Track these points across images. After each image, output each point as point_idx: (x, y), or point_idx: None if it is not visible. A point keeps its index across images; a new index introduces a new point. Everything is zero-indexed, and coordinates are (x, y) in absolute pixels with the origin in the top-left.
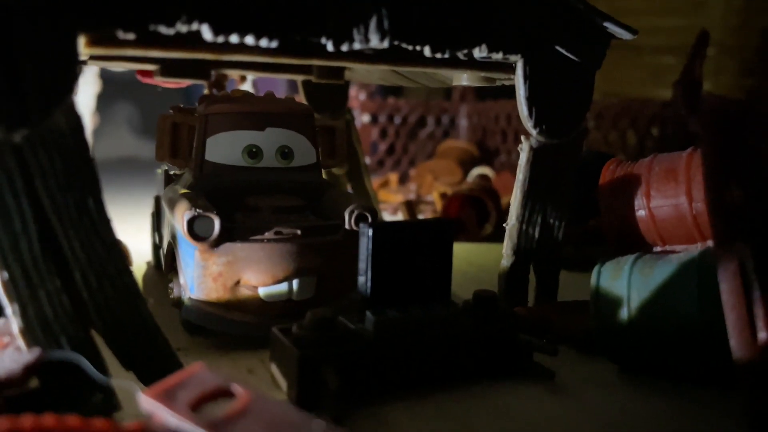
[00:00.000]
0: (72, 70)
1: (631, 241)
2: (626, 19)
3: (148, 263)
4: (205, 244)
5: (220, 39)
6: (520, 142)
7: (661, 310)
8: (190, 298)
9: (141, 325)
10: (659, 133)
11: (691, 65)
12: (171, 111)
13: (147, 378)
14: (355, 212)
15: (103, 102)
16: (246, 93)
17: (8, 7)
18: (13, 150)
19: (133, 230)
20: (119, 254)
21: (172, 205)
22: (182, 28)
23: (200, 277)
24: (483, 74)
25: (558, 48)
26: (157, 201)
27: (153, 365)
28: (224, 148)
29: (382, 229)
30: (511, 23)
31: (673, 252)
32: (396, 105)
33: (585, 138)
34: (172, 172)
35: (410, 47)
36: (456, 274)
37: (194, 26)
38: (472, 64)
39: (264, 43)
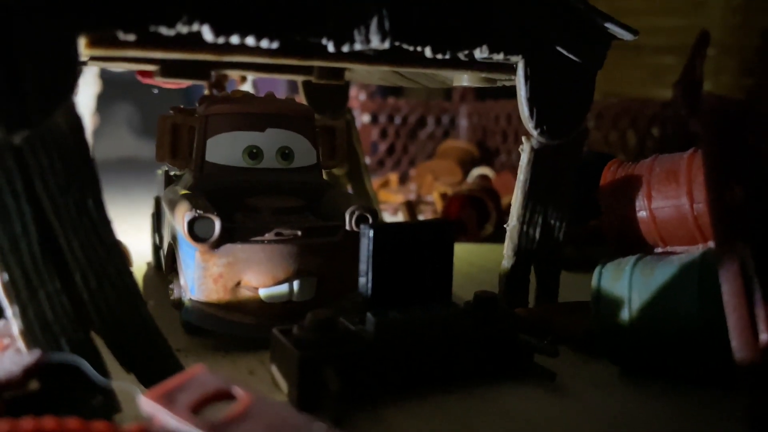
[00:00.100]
0: (72, 70)
1: (631, 241)
2: (626, 19)
3: (148, 264)
4: (205, 245)
5: (221, 40)
6: (521, 142)
7: (662, 311)
8: (190, 300)
9: (141, 327)
10: (659, 134)
11: (691, 65)
12: (171, 111)
13: (147, 380)
14: (356, 213)
15: (103, 102)
16: (246, 93)
17: (8, 7)
18: (12, 150)
19: (133, 231)
20: (119, 255)
21: (173, 206)
22: (183, 28)
23: (201, 278)
24: (484, 75)
25: (559, 48)
26: (158, 202)
27: (153, 367)
28: (224, 148)
29: (382, 229)
30: (512, 24)
31: (674, 253)
32: (396, 105)
33: (586, 138)
34: (172, 173)
35: (411, 48)
36: (457, 275)
37: (195, 27)
38: (472, 64)
39: (265, 43)
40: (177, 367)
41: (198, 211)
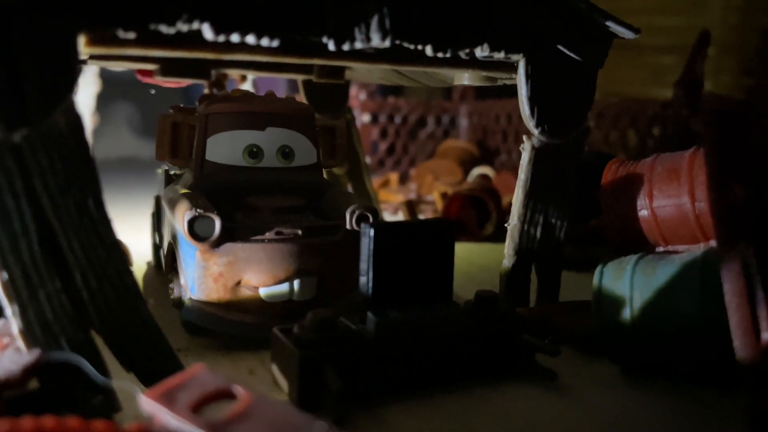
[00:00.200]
0: (72, 69)
1: (632, 241)
2: (626, 18)
3: (149, 263)
4: (205, 244)
5: (221, 38)
6: (521, 141)
7: (663, 310)
8: (190, 299)
9: (141, 326)
10: (660, 133)
11: (691, 65)
12: (171, 111)
13: (147, 379)
14: (356, 212)
15: (103, 102)
16: (246, 93)
17: (8, 7)
18: (12, 150)
19: (133, 230)
20: (119, 255)
21: (173, 206)
22: (183, 27)
23: (201, 277)
24: (485, 73)
25: (560, 47)
26: (158, 201)
27: (153, 366)
28: (225, 147)
29: (383, 229)
30: (513, 22)
31: (675, 252)
32: (396, 105)
33: (587, 138)
34: (172, 172)
35: (412, 46)
36: (457, 275)
37: (195, 25)
38: (473, 63)
39: (265, 42)
40: (177, 367)
41: (198, 210)
